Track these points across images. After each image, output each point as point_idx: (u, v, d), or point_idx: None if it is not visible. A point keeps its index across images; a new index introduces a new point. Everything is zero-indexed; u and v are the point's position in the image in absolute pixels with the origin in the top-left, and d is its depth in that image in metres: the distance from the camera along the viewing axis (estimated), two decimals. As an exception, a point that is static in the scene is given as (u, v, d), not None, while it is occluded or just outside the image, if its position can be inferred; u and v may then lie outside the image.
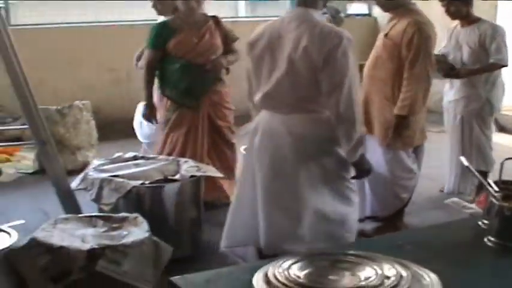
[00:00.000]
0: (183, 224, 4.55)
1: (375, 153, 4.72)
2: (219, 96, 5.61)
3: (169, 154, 5.38)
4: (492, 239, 2.13)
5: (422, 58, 4.54)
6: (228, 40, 5.64)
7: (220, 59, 5.52)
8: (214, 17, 5.65)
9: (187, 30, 5.47)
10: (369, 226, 5.06)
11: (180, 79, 5.46)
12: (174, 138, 5.53)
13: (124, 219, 3.82)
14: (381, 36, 4.83)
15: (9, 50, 4.50)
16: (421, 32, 4.55)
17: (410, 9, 4.70)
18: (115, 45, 8.84)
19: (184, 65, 5.43)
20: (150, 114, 5.60)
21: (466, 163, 2.47)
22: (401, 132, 4.70)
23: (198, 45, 5.47)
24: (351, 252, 1.94)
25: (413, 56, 4.54)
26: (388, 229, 4.82)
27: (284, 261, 1.85)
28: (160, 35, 5.49)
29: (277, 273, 1.77)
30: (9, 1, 8.62)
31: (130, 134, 8.47)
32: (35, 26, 8.92)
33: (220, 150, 5.63)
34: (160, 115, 5.62)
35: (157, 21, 5.92)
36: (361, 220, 4.92)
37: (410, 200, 5.07)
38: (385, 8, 4.87)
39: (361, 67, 4.99)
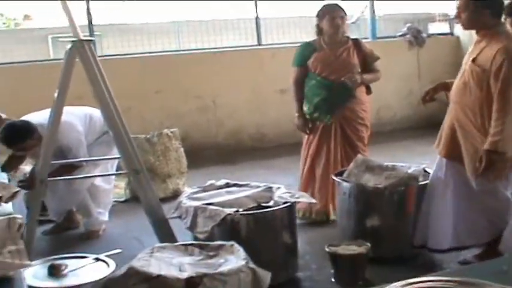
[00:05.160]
0: (278, 251, 4.51)
1: (467, 181, 4.51)
2: (352, 112, 5.87)
3: (305, 162, 5.95)
4: None
5: None
6: (368, 60, 5.95)
7: (356, 76, 5.76)
8: (355, 39, 6.05)
9: (326, 49, 5.87)
10: (470, 253, 4.78)
11: (315, 94, 5.86)
12: (310, 150, 5.94)
13: (220, 247, 3.78)
14: (468, 60, 4.47)
15: (100, 81, 4.57)
16: (511, 62, 4.19)
17: (501, 33, 4.37)
18: (199, 72, 8.94)
19: (319, 81, 5.84)
20: (302, 126, 5.94)
21: None
22: (491, 168, 4.31)
23: (335, 62, 5.82)
24: (456, 279, 1.89)
25: (502, 86, 4.19)
26: (490, 255, 4.45)
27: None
28: (302, 54, 5.97)
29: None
30: (95, 32, 8.81)
31: (218, 160, 8.57)
32: (120, 56, 9.09)
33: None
34: None
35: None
36: (443, 251, 4.70)
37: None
38: (467, 27, 4.55)
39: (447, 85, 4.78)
